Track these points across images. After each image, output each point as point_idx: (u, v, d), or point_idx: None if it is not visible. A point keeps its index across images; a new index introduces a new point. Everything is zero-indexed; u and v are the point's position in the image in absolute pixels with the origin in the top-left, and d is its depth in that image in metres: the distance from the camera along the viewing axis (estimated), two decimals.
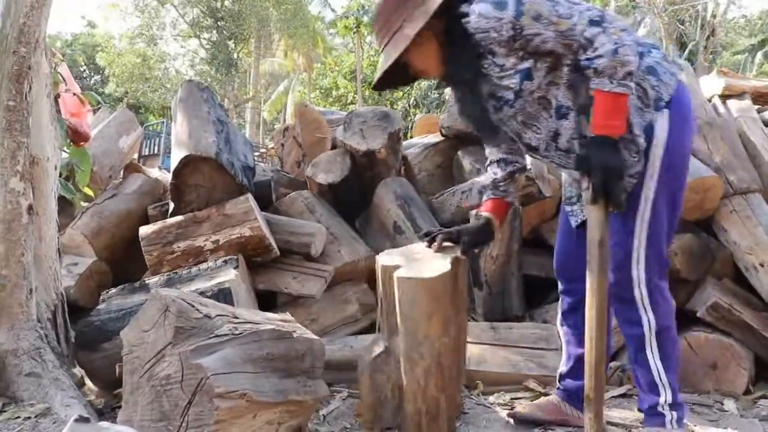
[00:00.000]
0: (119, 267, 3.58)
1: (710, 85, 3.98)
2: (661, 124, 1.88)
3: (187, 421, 1.65)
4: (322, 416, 2.39)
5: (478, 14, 1.80)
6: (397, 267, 2.02)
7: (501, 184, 2.26)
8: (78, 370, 2.65)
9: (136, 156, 6.29)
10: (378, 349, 2.09)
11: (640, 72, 1.87)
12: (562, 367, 2.33)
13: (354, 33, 25.22)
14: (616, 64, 1.72)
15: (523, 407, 2.35)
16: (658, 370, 1.99)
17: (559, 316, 2.31)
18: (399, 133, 3.94)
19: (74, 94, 3.03)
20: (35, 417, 1.95)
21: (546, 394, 2.52)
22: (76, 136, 3.04)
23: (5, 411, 2.01)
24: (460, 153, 4.09)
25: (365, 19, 23.69)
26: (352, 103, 24.70)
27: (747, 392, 2.72)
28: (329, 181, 3.78)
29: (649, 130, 1.88)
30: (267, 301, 3.18)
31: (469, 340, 2.83)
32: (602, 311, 1.83)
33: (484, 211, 2.25)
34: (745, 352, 2.80)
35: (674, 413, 2.00)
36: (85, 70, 32.59)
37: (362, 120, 3.98)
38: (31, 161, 2.32)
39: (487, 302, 3.28)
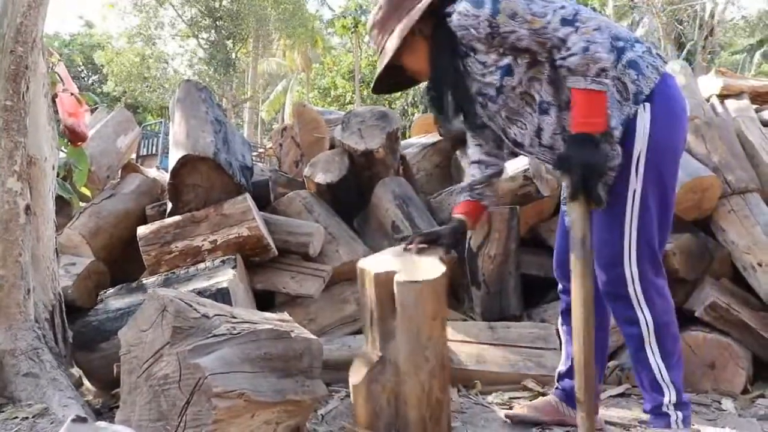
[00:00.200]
0: (117, 267, 3.58)
1: (708, 84, 3.99)
2: (643, 118, 1.88)
3: (185, 420, 1.65)
4: (321, 416, 2.39)
5: (458, 12, 1.85)
6: (389, 272, 1.99)
7: (477, 187, 2.27)
8: (76, 370, 2.64)
9: (134, 156, 6.28)
10: (372, 360, 2.07)
11: (621, 66, 1.88)
12: (561, 367, 2.33)
13: (352, 33, 25.23)
14: (588, 62, 1.74)
15: (520, 408, 2.35)
16: (659, 368, 1.97)
17: (560, 316, 2.31)
18: (397, 133, 3.94)
19: (72, 94, 3.02)
20: (33, 417, 1.95)
21: (544, 394, 2.52)
22: (73, 136, 3.03)
23: (3, 411, 2.01)
24: (458, 153, 4.10)
25: (363, 18, 23.70)
26: (350, 102, 24.73)
27: (745, 391, 2.73)
28: (327, 180, 3.78)
29: (630, 125, 1.88)
30: (265, 300, 3.18)
31: (467, 339, 2.85)
32: (588, 309, 1.82)
33: (457, 213, 2.27)
34: (743, 351, 2.81)
35: (679, 413, 1.97)
36: (82, 70, 32.57)
37: (360, 120, 3.98)
38: (29, 161, 2.31)
39: (485, 302, 3.28)
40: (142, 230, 3.15)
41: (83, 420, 1.41)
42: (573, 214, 1.81)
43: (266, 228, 3.19)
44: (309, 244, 3.24)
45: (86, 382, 2.75)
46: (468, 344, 2.83)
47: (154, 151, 13.79)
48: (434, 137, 4.54)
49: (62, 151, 2.99)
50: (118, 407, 1.79)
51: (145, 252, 3.09)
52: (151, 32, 26.62)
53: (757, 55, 21.94)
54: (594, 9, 2.10)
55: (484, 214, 2.36)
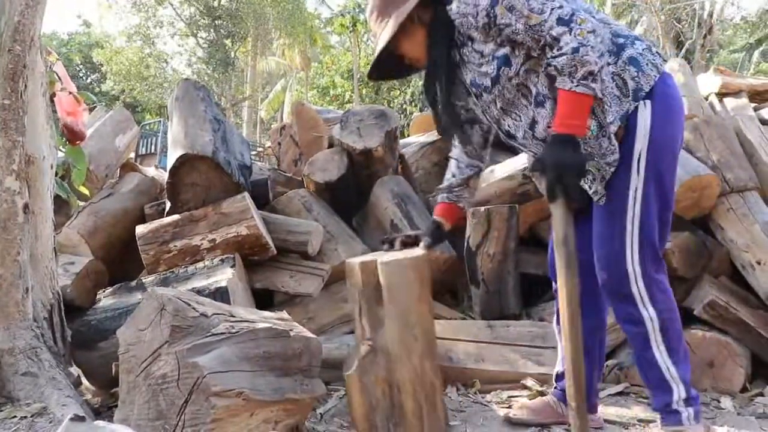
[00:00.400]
0: (116, 266, 3.57)
1: (707, 83, 3.99)
2: (643, 114, 1.88)
3: (184, 419, 1.65)
4: (320, 414, 2.39)
5: (458, 0, 1.87)
6: (374, 261, 2.07)
7: (455, 189, 2.31)
8: (74, 370, 2.64)
9: (132, 155, 6.27)
10: (363, 352, 2.09)
11: (621, 62, 1.88)
12: (559, 367, 2.33)
13: (350, 31, 25.22)
14: (576, 63, 1.74)
15: (519, 408, 2.35)
16: (667, 366, 1.97)
17: (556, 315, 2.31)
18: (396, 132, 3.94)
19: (70, 93, 3.02)
20: (31, 416, 1.94)
21: (543, 393, 2.52)
22: (72, 135, 3.03)
23: (1, 410, 2.01)
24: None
25: (362, 17, 23.68)
26: (349, 102, 24.70)
27: (744, 390, 2.73)
28: (326, 179, 3.78)
29: (630, 121, 1.88)
30: (264, 299, 3.18)
31: (466, 338, 2.85)
32: (573, 308, 1.81)
33: (436, 215, 2.32)
34: (742, 349, 2.81)
35: (690, 409, 1.98)
36: (81, 69, 32.54)
37: (359, 119, 3.98)
38: (27, 160, 2.31)
39: (484, 300, 3.28)
40: (140, 229, 3.15)
41: (82, 419, 1.41)
42: (554, 215, 1.81)
43: (265, 227, 3.19)
44: (308, 243, 3.24)
45: (85, 381, 2.74)
46: (467, 343, 2.83)
47: (152, 150, 13.78)
48: (433, 136, 4.53)
49: (60, 150, 2.98)
50: (116, 406, 1.80)
51: (144, 251, 3.08)
52: (150, 31, 26.58)
53: (756, 53, 21.94)
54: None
55: (461, 214, 2.40)
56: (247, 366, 1.78)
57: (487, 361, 2.76)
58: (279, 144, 4.81)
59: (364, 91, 24.25)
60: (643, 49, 1.92)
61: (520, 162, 3.46)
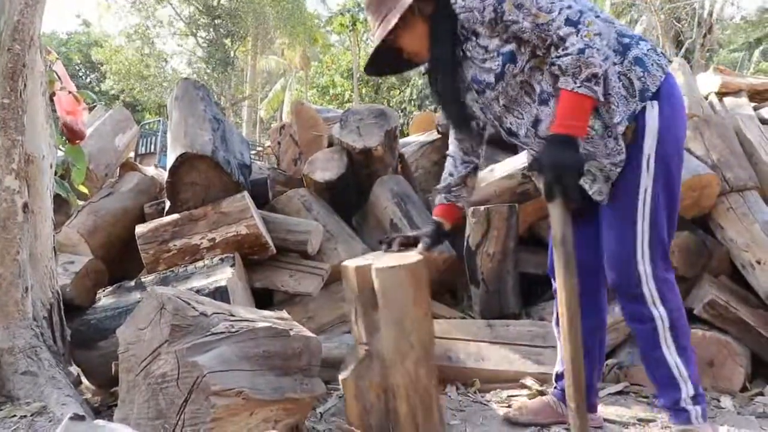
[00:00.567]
0: (115, 265, 3.57)
1: (707, 82, 3.99)
2: (651, 115, 1.87)
3: (184, 419, 1.65)
4: (319, 414, 2.39)
5: None
6: (369, 265, 2.05)
7: (454, 189, 2.30)
8: (74, 369, 2.64)
9: (132, 154, 6.28)
10: (359, 356, 2.08)
11: (627, 62, 1.88)
12: (558, 367, 2.33)
13: (350, 31, 25.22)
14: (580, 64, 1.73)
15: (518, 408, 2.35)
16: (676, 364, 1.97)
17: (555, 315, 2.30)
18: (395, 131, 3.94)
19: (69, 92, 3.02)
20: (31, 415, 1.94)
21: (543, 392, 2.52)
22: (71, 134, 3.03)
23: (1, 410, 2.00)
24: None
25: (361, 16, 23.67)
26: (348, 101, 24.72)
27: (744, 389, 2.73)
28: (326, 178, 3.78)
29: (639, 121, 1.88)
30: (264, 299, 3.18)
31: (465, 337, 2.85)
32: (573, 310, 1.81)
33: (436, 215, 2.32)
34: (742, 349, 2.81)
35: (698, 407, 1.98)
36: (80, 68, 32.52)
37: (359, 118, 3.98)
38: (26, 159, 2.31)
39: (484, 300, 3.28)
40: (140, 228, 3.15)
41: (81, 418, 1.40)
42: (552, 215, 1.80)
43: (265, 226, 3.19)
44: (307, 242, 3.24)
45: (84, 381, 2.74)
46: (466, 342, 2.83)
47: (152, 150, 13.77)
48: (433, 135, 4.54)
49: (60, 149, 2.98)
50: (116, 405, 1.79)
51: (144, 250, 3.08)
52: (149, 31, 26.57)
53: (756, 52, 21.94)
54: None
55: (460, 214, 2.39)
56: (246, 365, 1.78)
57: (487, 360, 2.76)
58: (278, 143, 4.81)
59: (363, 91, 24.25)
60: (648, 50, 1.91)
61: (519, 161, 3.46)
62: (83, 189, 3.35)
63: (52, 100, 2.79)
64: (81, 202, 3.64)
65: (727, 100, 3.79)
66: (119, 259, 3.64)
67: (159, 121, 15.77)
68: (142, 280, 2.95)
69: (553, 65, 1.78)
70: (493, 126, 2.13)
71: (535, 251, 3.51)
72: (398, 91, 22.38)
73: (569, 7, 1.76)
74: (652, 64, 1.89)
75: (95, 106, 4.60)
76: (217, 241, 3.04)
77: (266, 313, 2.12)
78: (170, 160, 3.23)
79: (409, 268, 1.99)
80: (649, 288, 1.94)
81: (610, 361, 2.86)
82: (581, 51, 1.72)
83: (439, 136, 4.41)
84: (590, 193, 1.98)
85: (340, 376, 2.08)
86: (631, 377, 2.79)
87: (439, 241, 2.30)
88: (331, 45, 30.68)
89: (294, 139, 4.55)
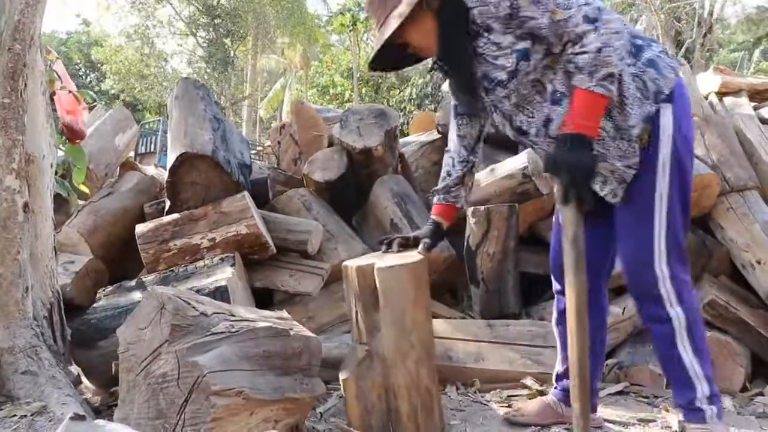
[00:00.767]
0: (115, 265, 3.57)
1: (707, 82, 3.99)
2: (666, 117, 1.86)
3: (184, 419, 1.65)
4: (319, 414, 2.39)
5: None
6: (370, 265, 2.05)
7: (452, 189, 2.30)
8: (74, 368, 2.64)
9: (132, 154, 6.28)
10: (359, 356, 2.09)
11: (641, 64, 1.86)
12: (559, 367, 2.33)
13: (350, 30, 25.19)
14: (597, 63, 1.71)
15: (518, 410, 2.35)
16: (692, 364, 1.97)
17: (555, 315, 2.30)
18: (396, 131, 3.94)
19: (70, 92, 3.02)
20: (31, 415, 1.94)
21: (543, 392, 2.52)
22: (71, 134, 3.03)
23: (1, 409, 2.01)
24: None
25: (362, 16, 23.65)
26: (348, 100, 24.68)
27: (744, 389, 2.73)
28: (326, 178, 3.78)
29: (654, 124, 1.87)
30: (264, 298, 3.18)
31: (465, 337, 2.85)
32: (581, 309, 1.81)
33: (434, 215, 2.31)
34: (742, 349, 2.81)
35: (713, 407, 1.97)
36: (80, 68, 32.51)
37: (359, 117, 3.97)
38: (27, 159, 2.31)
39: (484, 300, 3.28)
40: (140, 228, 3.15)
41: (82, 418, 1.40)
42: (565, 215, 1.80)
43: (265, 226, 3.19)
44: (307, 242, 3.24)
45: (85, 380, 2.74)
46: (467, 342, 2.83)
47: (152, 149, 13.79)
48: (433, 135, 4.54)
49: (60, 148, 2.98)
50: (116, 405, 1.79)
51: (144, 250, 3.08)
52: (149, 31, 26.55)
53: (756, 52, 21.95)
54: None
55: (459, 213, 2.39)
56: (246, 365, 1.78)
57: (487, 360, 2.76)
58: (279, 143, 4.82)
59: (363, 90, 24.23)
60: (660, 52, 1.91)
61: (519, 161, 3.45)
62: (83, 188, 3.35)
63: (52, 100, 2.79)
64: (81, 202, 3.64)
65: (727, 99, 3.79)
66: (119, 259, 3.64)
67: (159, 120, 15.79)
68: (143, 279, 2.95)
69: (570, 62, 1.76)
70: (502, 124, 2.08)
71: (535, 251, 3.51)
72: (398, 91, 22.35)
73: (587, 3, 1.73)
74: (665, 67, 1.88)
75: (95, 105, 4.60)
76: (217, 240, 3.04)
77: (266, 312, 2.12)
78: (170, 159, 3.23)
79: (411, 268, 2.00)
80: (666, 289, 1.94)
81: (610, 361, 2.86)
82: (599, 49, 1.70)
83: (439, 135, 4.40)
84: (602, 194, 1.97)
85: (341, 376, 2.08)
86: (631, 377, 2.79)
87: (440, 240, 2.30)
88: (331, 45, 30.65)
89: (294, 138, 4.55)
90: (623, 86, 1.83)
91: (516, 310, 3.29)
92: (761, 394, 2.70)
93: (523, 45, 1.82)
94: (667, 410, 2.44)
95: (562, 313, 2.24)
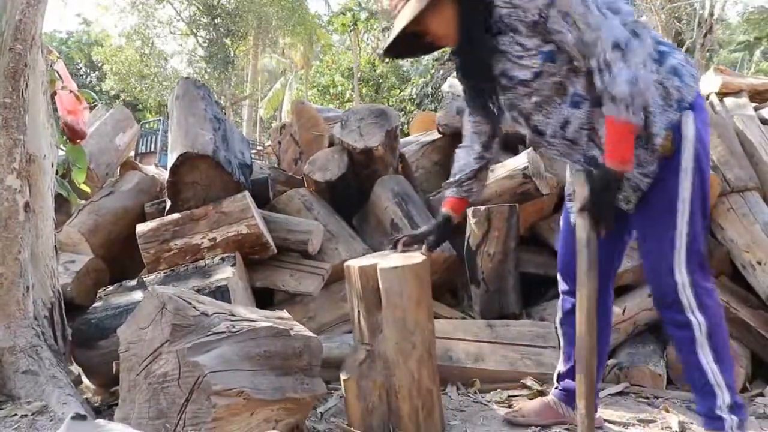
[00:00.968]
0: (116, 265, 3.58)
1: (707, 82, 3.98)
2: (688, 125, 1.86)
3: (185, 418, 1.65)
4: (320, 413, 2.39)
5: None
6: (373, 265, 2.05)
7: (465, 183, 2.27)
8: (75, 368, 2.65)
9: (132, 154, 6.28)
10: (361, 356, 2.09)
11: (664, 71, 1.86)
12: (561, 367, 2.33)
13: (351, 30, 25.18)
14: (634, 94, 1.69)
15: (519, 410, 2.35)
16: (712, 371, 1.95)
17: (560, 315, 2.30)
18: (396, 131, 3.94)
19: (71, 92, 3.02)
20: (32, 415, 1.95)
21: (543, 392, 2.52)
22: (72, 134, 3.03)
23: (2, 409, 2.01)
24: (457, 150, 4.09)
25: (362, 16, 23.65)
26: (349, 100, 24.67)
27: (744, 390, 2.73)
28: (326, 178, 3.78)
29: (677, 132, 1.86)
30: (264, 298, 3.18)
31: (466, 337, 2.85)
32: (591, 311, 1.82)
33: (444, 209, 2.28)
34: (742, 350, 2.81)
35: (734, 417, 1.94)
36: (81, 68, 32.51)
37: (359, 117, 3.97)
38: (28, 159, 2.31)
39: (484, 300, 3.29)
40: (141, 228, 3.15)
41: (82, 418, 1.41)
42: (579, 220, 1.83)
43: (265, 226, 3.19)
44: (308, 242, 3.24)
45: (85, 380, 2.75)
46: (467, 342, 2.83)
47: (152, 149, 13.80)
48: (433, 135, 4.54)
49: (61, 148, 2.99)
50: (117, 405, 1.79)
51: (144, 250, 3.09)
52: (149, 31, 26.54)
53: (757, 52, 21.94)
54: None
55: (467, 207, 2.38)
56: (247, 365, 1.78)
57: (487, 360, 2.76)
58: (279, 143, 4.82)
59: (364, 90, 24.22)
60: (682, 59, 1.91)
61: (520, 161, 3.46)
62: (84, 188, 3.35)
63: (53, 100, 2.80)
64: (82, 202, 3.64)
65: (728, 100, 3.79)
66: (120, 259, 3.64)
67: (159, 120, 15.80)
68: (143, 279, 2.95)
69: (604, 92, 1.74)
70: (516, 122, 2.06)
71: (535, 251, 3.52)
72: (398, 91, 22.35)
73: (617, 27, 1.70)
74: (687, 75, 1.88)
75: (96, 105, 4.61)
76: (217, 240, 3.05)
77: (267, 312, 2.12)
78: (171, 159, 3.23)
79: (413, 269, 2.01)
80: (686, 295, 1.93)
81: (610, 362, 2.86)
82: (632, 82, 1.68)
83: (440, 135, 4.41)
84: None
85: (342, 376, 2.08)
86: (631, 378, 2.79)
87: (446, 236, 2.28)
88: (332, 45, 30.65)
89: (294, 138, 4.55)
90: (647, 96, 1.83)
91: (516, 311, 3.29)
92: (761, 394, 2.70)
93: (548, 48, 1.81)
94: (667, 410, 2.45)
95: (567, 313, 2.24)
